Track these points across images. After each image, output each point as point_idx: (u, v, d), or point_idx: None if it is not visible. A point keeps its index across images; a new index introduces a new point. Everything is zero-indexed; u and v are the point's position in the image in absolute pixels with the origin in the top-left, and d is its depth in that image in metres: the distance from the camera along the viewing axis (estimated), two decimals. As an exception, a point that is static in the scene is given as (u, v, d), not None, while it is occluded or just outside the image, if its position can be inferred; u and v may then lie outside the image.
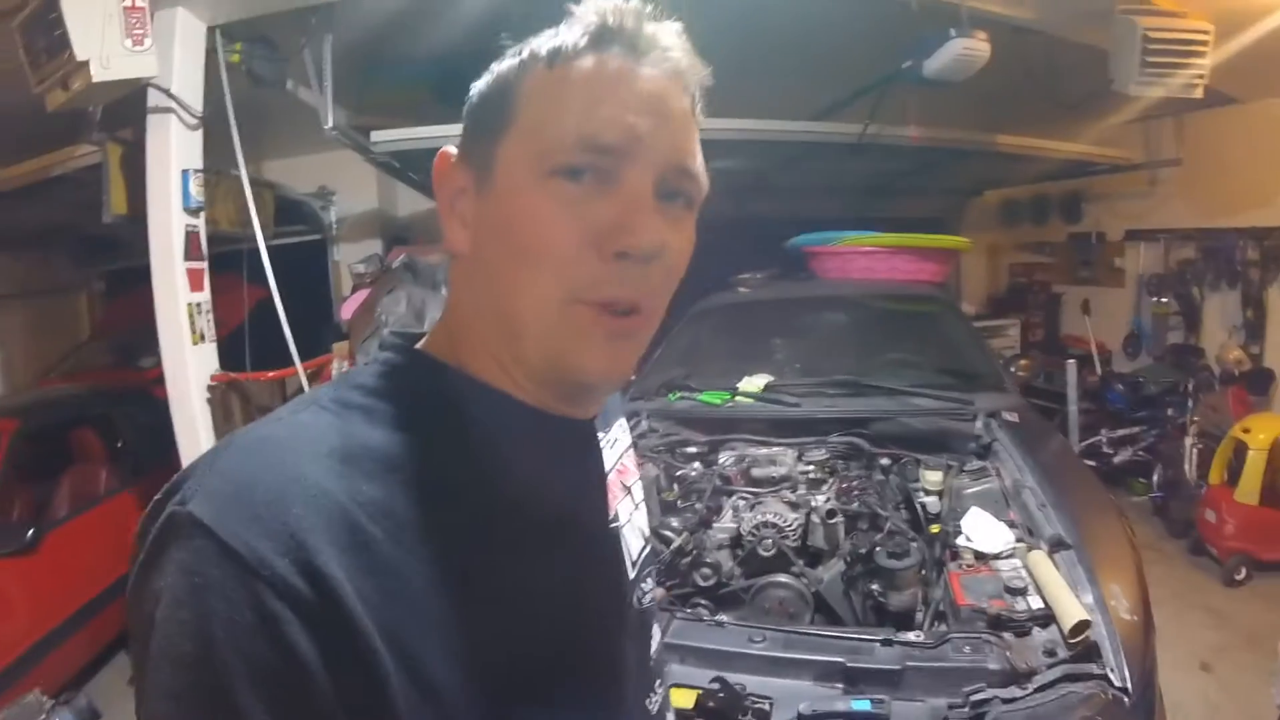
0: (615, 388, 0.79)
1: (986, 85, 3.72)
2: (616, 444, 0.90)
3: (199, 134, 3.32)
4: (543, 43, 0.67)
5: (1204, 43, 3.72)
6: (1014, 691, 1.44)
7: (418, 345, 0.73)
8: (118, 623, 3.91)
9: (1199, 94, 3.89)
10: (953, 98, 3.94)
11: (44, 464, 4.25)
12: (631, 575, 0.83)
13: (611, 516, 0.81)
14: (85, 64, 2.65)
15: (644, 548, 0.87)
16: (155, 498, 0.56)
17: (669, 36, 0.68)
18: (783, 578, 1.98)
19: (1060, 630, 1.56)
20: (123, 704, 3.62)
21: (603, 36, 0.66)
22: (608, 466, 0.84)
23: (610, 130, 0.63)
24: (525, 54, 0.68)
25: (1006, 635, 1.59)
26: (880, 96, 4.32)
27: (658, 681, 0.87)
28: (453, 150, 0.72)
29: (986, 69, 3.56)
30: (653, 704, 0.84)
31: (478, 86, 0.72)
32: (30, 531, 3.50)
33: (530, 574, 0.67)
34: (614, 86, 0.65)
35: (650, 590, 0.87)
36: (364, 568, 0.54)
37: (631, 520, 0.86)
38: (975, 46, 3.45)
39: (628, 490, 0.88)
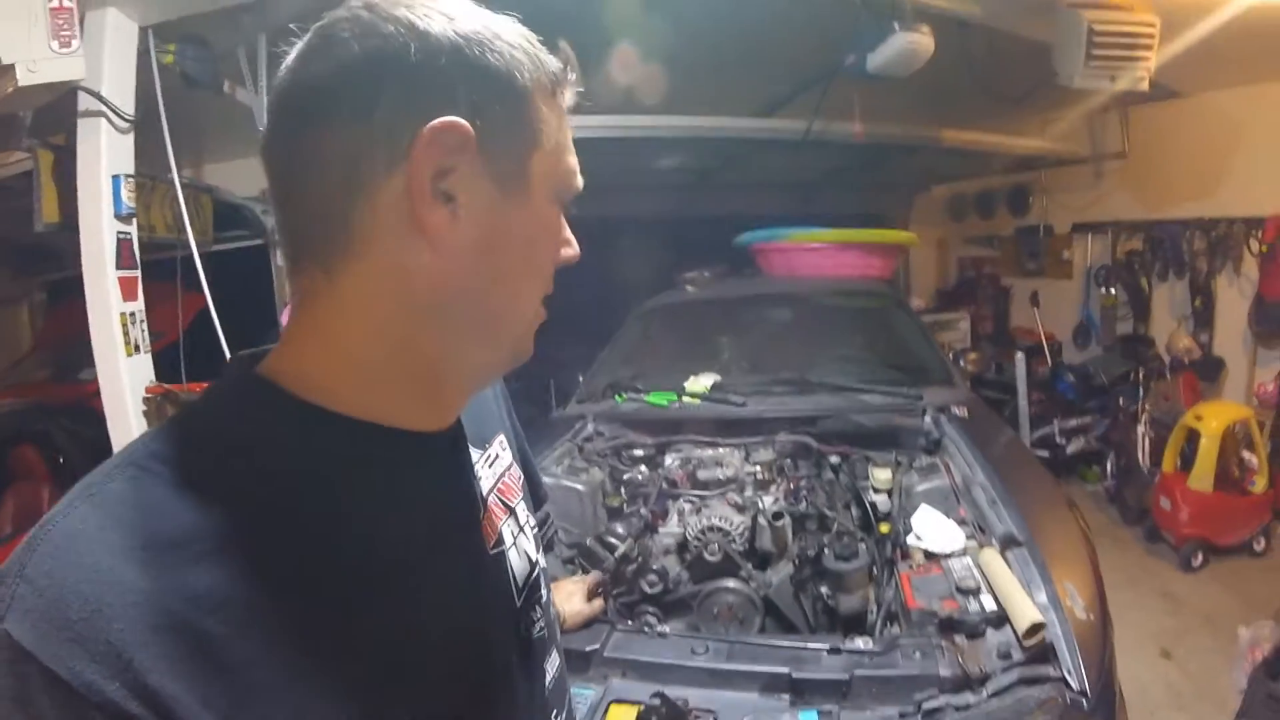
0: None
1: (931, 79, 3.71)
2: (497, 461, 0.85)
3: (130, 138, 3.19)
4: (536, 56, 0.67)
5: (1150, 36, 3.72)
6: (967, 698, 1.41)
7: (259, 367, 0.65)
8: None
9: (1144, 87, 3.90)
10: (898, 92, 3.92)
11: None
12: (518, 604, 0.78)
13: (495, 540, 0.77)
14: (11, 67, 2.54)
15: (531, 573, 0.82)
16: None
17: None
18: (731, 583, 1.94)
19: (1014, 632, 1.53)
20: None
21: (568, 75, 0.70)
22: (488, 486, 0.80)
23: (580, 179, 0.72)
24: (525, 57, 0.65)
25: (959, 638, 1.55)
26: (824, 92, 4.29)
27: (555, 712, 0.82)
28: (466, 124, 0.60)
29: (931, 63, 3.54)
30: None
31: (477, 57, 0.62)
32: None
33: (401, 621, 0.61)
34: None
35: (540, 619, 0.82)
36: (205, 672, 0.49)
37: (516, 544, 0.81)
38: (919, 41, 3.42)
39: (510, 510, 0.83)
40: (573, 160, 0.71)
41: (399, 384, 0.65)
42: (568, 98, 0.70)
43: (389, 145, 0.58)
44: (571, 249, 0.74)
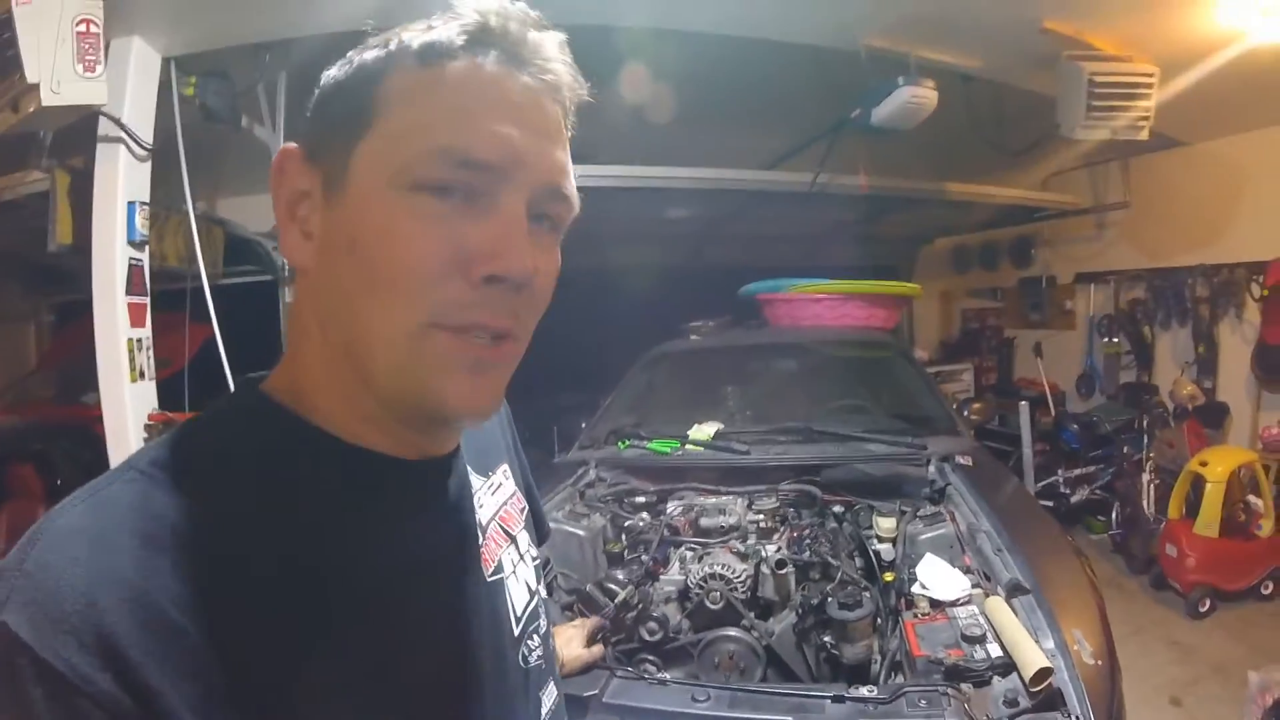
0: (480, 420, 0.68)
1: (935, 133, 3.77)
2: (500, 489, 0.85)
3: (148, 166, 3.24)
4: (414, 36, 0.61)
5: (1149, 85, 3.79)
6: (974, 745, 1.38)
7: (262, 384, 0.67)
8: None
9: (1144, 135, 3.95)
10: (902, 146, 3.99)
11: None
12: (515, 632, 0.77)
13: (494, 568, 0.76)
14: (35, 87, 2.59)
15: (530, 601, 0.82)
16: None
17: (552, 47, 0.63)
18: (733, 631, 1.92)
19: (1021, 679, 1.50)
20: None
21: (482, 38, 0.60)
22: (490, 513, 0.80)
23: (485, 145, 0.58)
24: (393, 45, 0.61)
25: (965, 686, 1.53)
26: (830, 145, 4.36)
27: None
28: (295, 146, 0.64)
29: (935, 117, 3.61)
30: None
31: (332, 75, 0.64)
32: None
33: (385, 642, 0.62)
34: (490, 95, 0.60)
35: (538, 647, 0.81)
36: (186, 672, 0.50)
37: (516, 572, 0.81)
38: (923, 95, 3.50)
39: (512, 539, 0.83)
40: (453, 123, 0.58)
41: (364, 407, 0.64)
42: (459, 60, 0.60)
43: None
44: (494, 261, 0.59)
